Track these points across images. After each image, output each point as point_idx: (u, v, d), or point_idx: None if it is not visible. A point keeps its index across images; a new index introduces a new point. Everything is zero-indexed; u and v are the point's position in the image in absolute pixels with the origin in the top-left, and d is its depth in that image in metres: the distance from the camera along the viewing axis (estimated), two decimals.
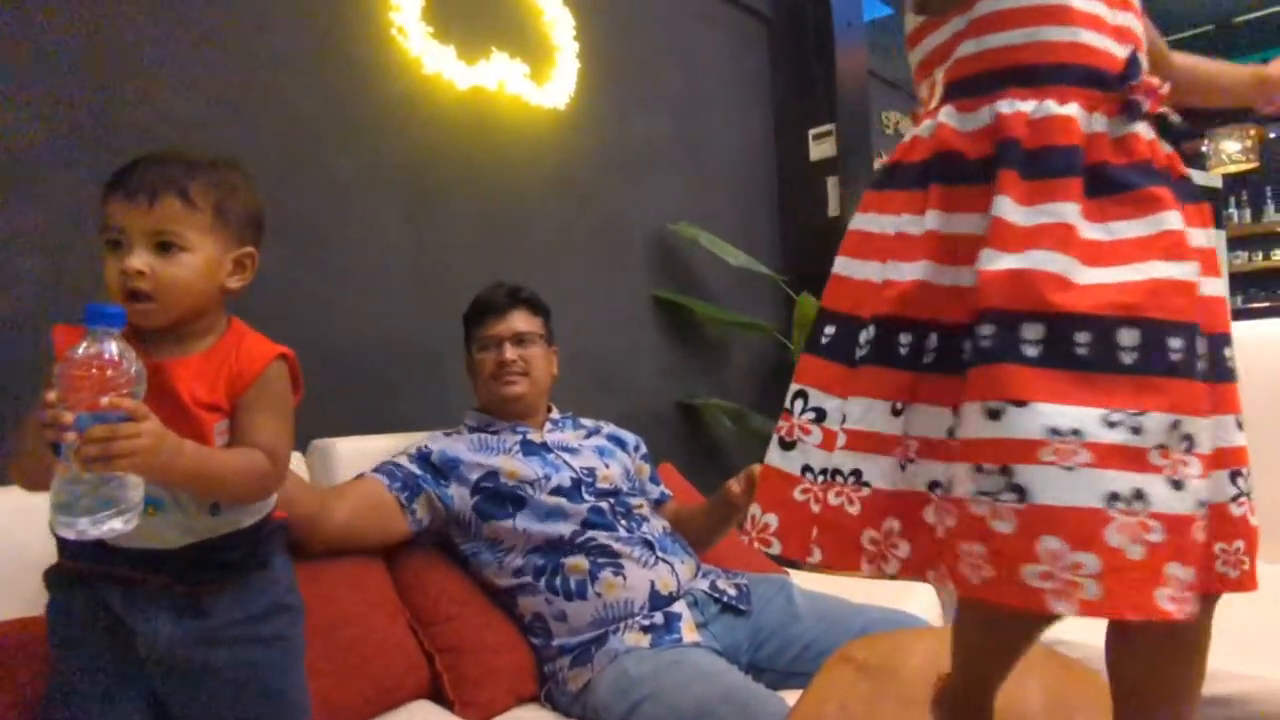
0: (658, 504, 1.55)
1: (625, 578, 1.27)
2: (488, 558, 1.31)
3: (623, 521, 1.35)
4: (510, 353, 1.43)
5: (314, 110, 1.65)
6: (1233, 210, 5.82)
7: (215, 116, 1.50)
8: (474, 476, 1.32)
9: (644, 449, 1.61)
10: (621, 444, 1.56)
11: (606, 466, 1.44)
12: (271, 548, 0.86)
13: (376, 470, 1.31)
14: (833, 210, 2.89)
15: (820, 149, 2.91)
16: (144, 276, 0.74)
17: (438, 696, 1.21)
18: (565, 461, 1.40)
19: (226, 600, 0.80)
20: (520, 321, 1.46)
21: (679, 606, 1.28)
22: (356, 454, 1.40)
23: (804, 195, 2.94)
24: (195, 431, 0.76)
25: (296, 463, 1.35)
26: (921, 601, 1.51)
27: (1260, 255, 5.72)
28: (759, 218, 2.93)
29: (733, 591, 1.34)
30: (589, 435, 1.53)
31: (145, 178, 0.76)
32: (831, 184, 2.89)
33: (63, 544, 0.78)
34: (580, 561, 1.28)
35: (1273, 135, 5.60)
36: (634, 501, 1.42)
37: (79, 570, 0.78)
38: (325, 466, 1.39)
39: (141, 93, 1.40)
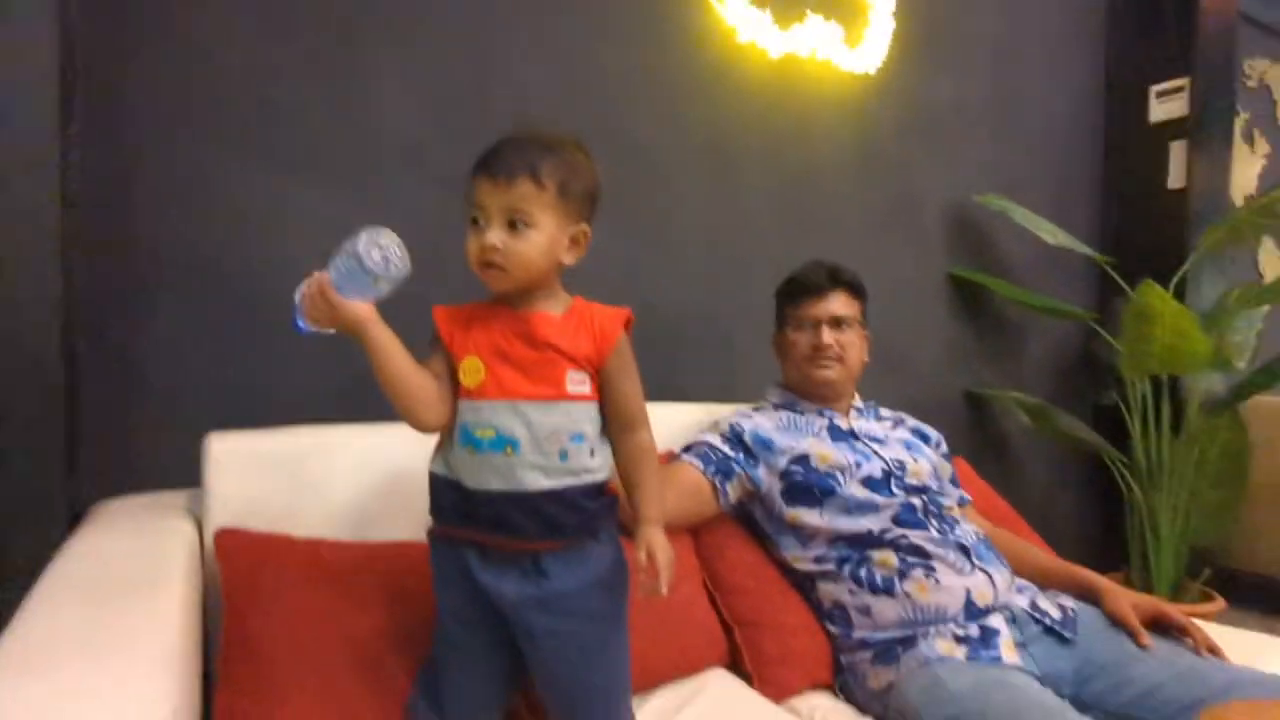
0: (959, 506, 1.45)
1: (938, 580, 1.20)
2: (789, 541, 1.31)
3: (935, 522, 1.28)
4: (827, 336, 1.39)
5: (628, 78, 1.70)
6: None
7: (552, 89, 1.60)
8: (784, 459, 1.31)
9: (945, 446, 1.51)
10: (925, 439, 1.48)
11: (915, 461, 1.37)
12: (603, 520, 0.90)
13: (689, 452, 1.34)
14: (1174, 181, 2.48)
15: (1166, 108, 2.50)
16: (497, 251, 0.82)
17: (734, 668, 1.24)
18: (874, 451, 1.35)
19: (562, 565, 0.85)
20: (839, 305, 1.41)
21: (996, 621, 1.18)
22: (673, 425, 1.45)
23: (1138, 163, 2.55)
24: (551, 374, 0.84)
25: None
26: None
27: None
28: (1077, 189, 2.60)
29: (1056, 614, 1.22)
30: (894, 426, 1.46)
31: (505, 160, 0.82)
32: (1176, 149, 2.47)
33: (436, 508, 0.89)
34: (889, 557, 1.23)
35: None
36: (945, 501, 1.33)
37: (446, 533, 0.88)
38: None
39: (504, 73, 1.53)
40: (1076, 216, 2.53)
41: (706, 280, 1.82)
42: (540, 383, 0.84)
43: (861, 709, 1.18)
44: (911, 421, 1.51)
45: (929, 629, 1.17)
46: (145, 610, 0.78)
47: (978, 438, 2.32)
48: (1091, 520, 2.54)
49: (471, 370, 0.84)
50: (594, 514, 0.88)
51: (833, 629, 1.26)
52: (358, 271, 0.78)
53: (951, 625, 1.17)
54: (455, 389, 0.86)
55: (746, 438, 1.34)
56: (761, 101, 1.88)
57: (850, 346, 1.42)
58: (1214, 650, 1.18)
